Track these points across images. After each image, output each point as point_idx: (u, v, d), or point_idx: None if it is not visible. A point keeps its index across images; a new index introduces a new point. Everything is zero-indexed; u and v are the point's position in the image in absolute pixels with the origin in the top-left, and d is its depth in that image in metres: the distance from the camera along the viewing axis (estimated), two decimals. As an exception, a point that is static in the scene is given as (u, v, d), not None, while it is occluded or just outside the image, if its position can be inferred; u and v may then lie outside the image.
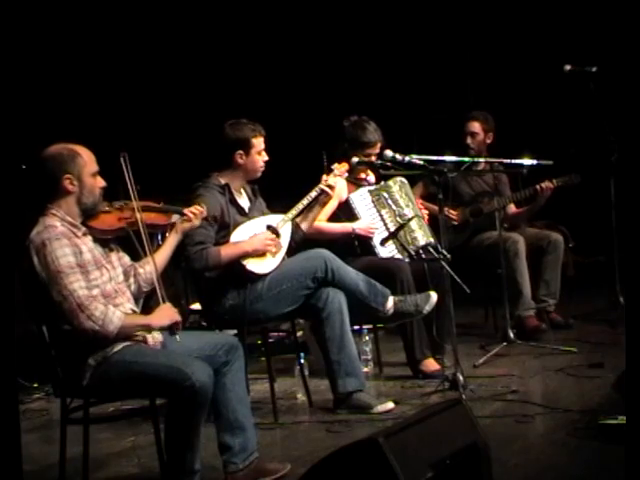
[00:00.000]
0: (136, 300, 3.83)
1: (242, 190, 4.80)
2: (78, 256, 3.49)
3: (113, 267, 3.67)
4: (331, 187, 4.81)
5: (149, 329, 3.59)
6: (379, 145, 5.26)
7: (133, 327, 3.54)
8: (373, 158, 5.25)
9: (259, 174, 4.77)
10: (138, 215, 3.69)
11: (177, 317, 3.61)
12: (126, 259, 3.79)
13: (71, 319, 3.41)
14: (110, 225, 3.67)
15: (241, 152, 4.68)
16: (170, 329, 3.60)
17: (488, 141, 6.13)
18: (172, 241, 3.88)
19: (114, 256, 3.72)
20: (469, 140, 6.10)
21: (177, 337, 3.59)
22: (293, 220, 4.77)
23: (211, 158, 4.74)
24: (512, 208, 6.23)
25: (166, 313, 3.61)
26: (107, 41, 7.09)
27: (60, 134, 3.75)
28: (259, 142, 4.71)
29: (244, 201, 4.79)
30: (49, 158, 3.57)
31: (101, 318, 3.41)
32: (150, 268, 3.75)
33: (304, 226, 4.85)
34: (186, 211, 3.92)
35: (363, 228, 5.20)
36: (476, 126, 6.12)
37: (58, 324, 3.47)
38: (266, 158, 4.74)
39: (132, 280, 3.76)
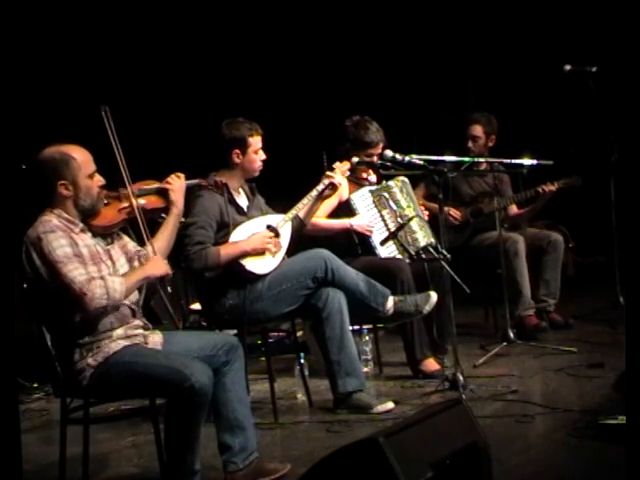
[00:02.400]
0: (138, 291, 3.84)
1: (240, 189, 4.81)
2: (74, 247, 3.48)
3: (113, 262, 3.65)
4: (338, 182, 4.84)
5: (148, 280, 3.66)
6: (381, 145, 5.26)
7: (135, 284, 3.59)
8: (375, 158, 5.25)
9: (257, 173, 4.78)
10: (135, 202, 3.70)
11: (168, 269, 3.68)
12: (130, 246, 3.77)
13: (78, 305, 3.42)
14: (111, 220, 3.67)
15: (238, 151, 4.68)
16: (161, 280, 3.65)
17: (490, 144, 6.08)
18: (170, 218, 3.85)
19: (117, 247, 3.71)
20: (470, 144, 6.03)
21: (169, 289, 3.67)
22: (295, 217, 4.77)
23: (209, 158, 4.74)
24: (513, 209, 6.23)
25: (158, 264, 3.66)
26: (106, 44, 7.08)
27: (60, 134, 3.74)
28: (256, 141, 4.71)
29: (243, 200, 4.80)
30: (42, 164, 3.55)
31: (105, 293, 3.42)
32: (151, 252, 3.74)
33: (305, 219, 4.86)
34: (163, 184, 3.89)
35: (361, 225, 5.20)
36: (478, 129, 6.06)
37: (58, 322, 3.48)
38: (263, 157, 4.74)
39: (137, 263, 3.73)
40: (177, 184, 3.90)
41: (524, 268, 5.86)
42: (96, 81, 6.99)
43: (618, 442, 3.50)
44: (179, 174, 3.94)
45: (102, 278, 3.47)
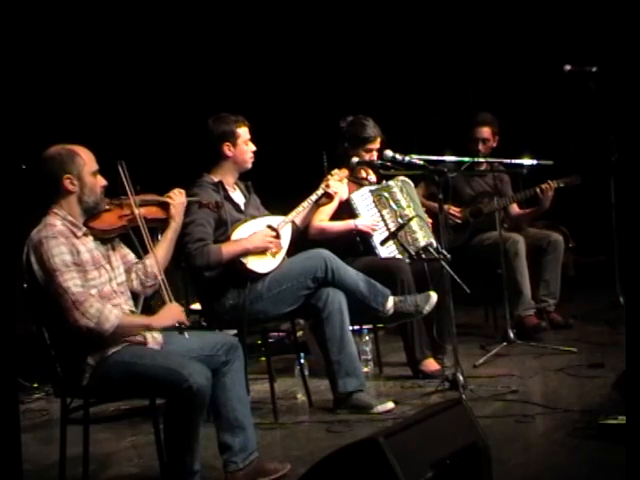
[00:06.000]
0: (136, 299, 3.83)
1: (235, 186, 4.82)
2: (75, 255, 3.49)
3: (113, 268, 3.66)
4: (334, 191, 4.86)
5: (149, 330, 3.59)
6: (379, 140, 5.27)
7: (131, 327, 3.55)
8: (375, 154, 5.25)
9: (249, 165, 4.79)
10: (137, 210, 3.72)
11: (182, 317, 3.62)
12: (130, 257, 3.80)
13: (67, 316, 3.42)
14: (111, 224, 3.69)
15: (228, 144, 4.72)
16: (177, 329, 3.60)
17: (494, 145, 6.09)
18: (169, 231, 3.88)
19: (117, 255, 3.72)
20: (480, 146, 6.01)
21: (186, 335, 3.61)
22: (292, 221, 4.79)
23: (201, 157, 4.76)
24: (515, 209, 6.22)
25: (170, 313, 3.62)
26: (104, 46, 7.07)
27: (59, 134, 3.75)
28: (244, 131, 4.75)
29: (239, 197, 4.81)
30: (48, 160, 3.58)
31: (96, 316, 3.41)
32: (152, 261, 3.75)
33: (299, 222, 4.87)
34: (165, 198, 3.92)
35: (365, 224, 5.21)
36: (487, 132, 6.04)
37: (57, 323, 3.48)
38: (254, 148, 4.78)
39: (134, 275, 3.77)
40: (178, 199, 3.93)
41: (524, 268, 5.86)
42: (92, 83, 6.99)
43: (618, 442, 3.50)
44: (181, 190, 3.97)
45: (102, 303, 3.47)
